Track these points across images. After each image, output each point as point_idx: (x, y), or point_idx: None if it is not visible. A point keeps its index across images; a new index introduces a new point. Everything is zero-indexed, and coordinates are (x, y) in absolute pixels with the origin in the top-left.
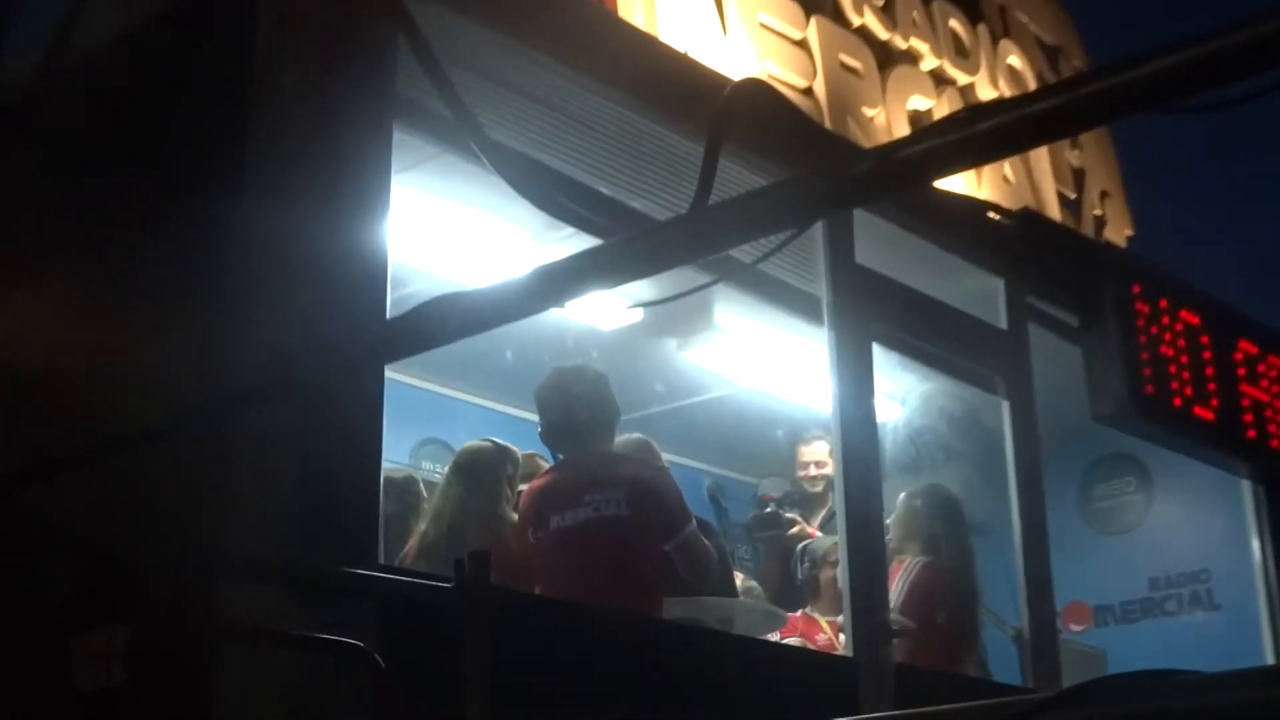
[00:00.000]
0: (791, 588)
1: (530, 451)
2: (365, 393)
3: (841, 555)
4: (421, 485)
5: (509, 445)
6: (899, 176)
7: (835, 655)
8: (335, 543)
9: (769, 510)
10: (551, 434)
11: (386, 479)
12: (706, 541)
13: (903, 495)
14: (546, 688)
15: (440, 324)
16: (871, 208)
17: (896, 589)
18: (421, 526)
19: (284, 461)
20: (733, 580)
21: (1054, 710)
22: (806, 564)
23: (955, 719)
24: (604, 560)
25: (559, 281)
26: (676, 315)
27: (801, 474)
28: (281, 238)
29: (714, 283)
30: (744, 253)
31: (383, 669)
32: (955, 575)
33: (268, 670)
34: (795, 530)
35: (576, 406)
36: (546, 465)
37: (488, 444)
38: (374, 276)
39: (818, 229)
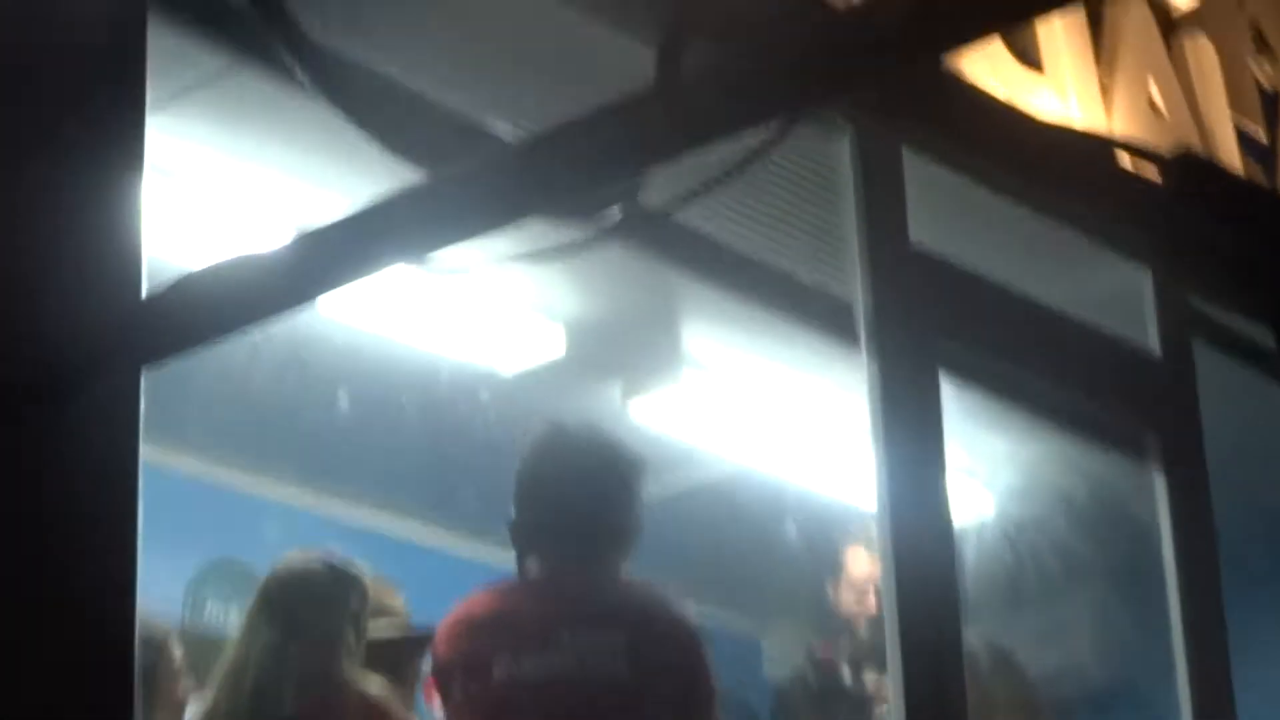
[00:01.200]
0: None
1: (379, 576)
2: (112, 475)
3: None
4: (175, 647)
5: (351, 566)
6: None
7: None
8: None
9: (834, 678)
10: (523, 529)
11: None
12: None
13: (986, 644)
14: None
15: (214, 303)
16: (931, 155)
17: None
18: (206, 694)
19: None
20: None
21: None
22: None
23: None
24: None
25: (401, 224)
26: (620, 345)
27: (851, 604)
28: None
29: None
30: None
31: None
32: None
33: None
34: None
35: (576, 489)
36: (399, 604)
37: (317, 563)
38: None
39: (847, 191)
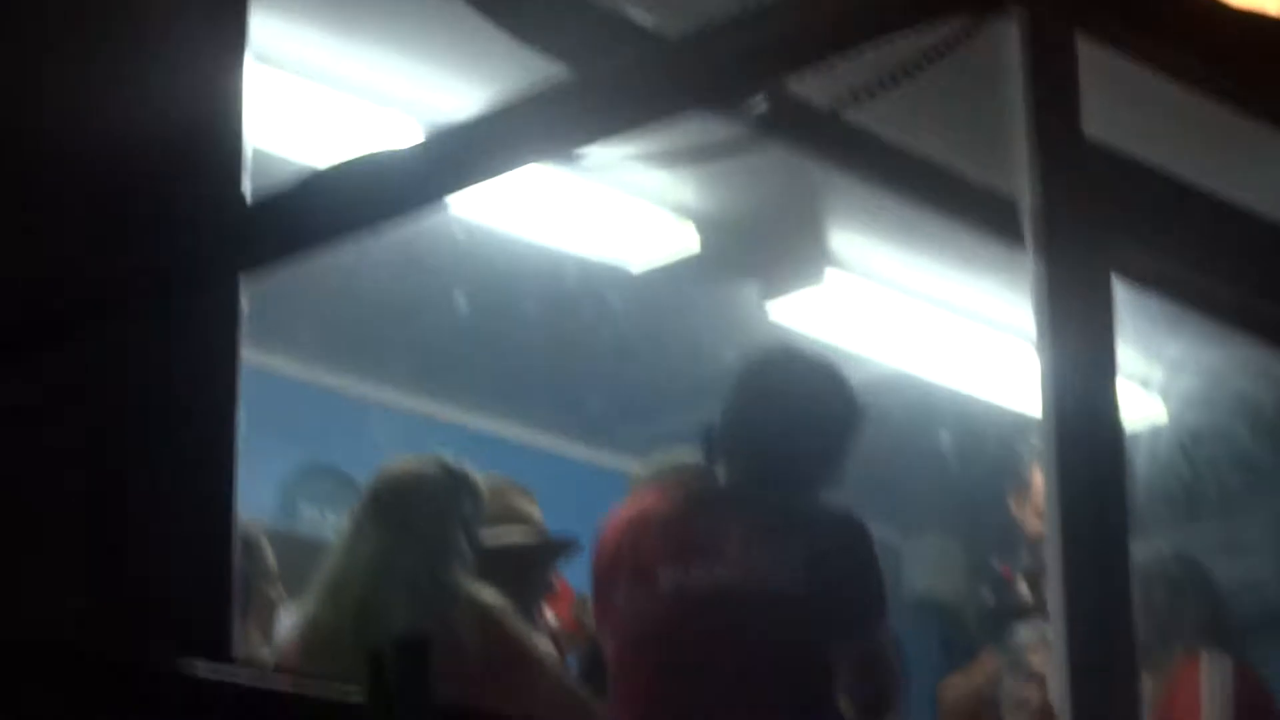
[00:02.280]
0: None
1: (500, 479)
2: (209, 370)
3: (1056, 658)
4: (267, 547)
5: (465, 468)
6: None
7: None
8: (152, 626)
9: (1011, 598)
10: (724, 439)
11: None
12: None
13: (1138, 560)
14: None
15: (336, 205)
16: (1107, 41)
17: (1210, 702)
18: (305, 607)
19: (56, 482)
20: None
21: None
22: (1007, 668)
23: None
24: (753, 661)
25: (544, 122)
26: (758, 244)
27: (1037, 522)
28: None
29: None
30: None
31: None
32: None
33: None
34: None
35: (774, 404)
36: (533, 509)
37: (429, 464)
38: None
39: (1015, 80)
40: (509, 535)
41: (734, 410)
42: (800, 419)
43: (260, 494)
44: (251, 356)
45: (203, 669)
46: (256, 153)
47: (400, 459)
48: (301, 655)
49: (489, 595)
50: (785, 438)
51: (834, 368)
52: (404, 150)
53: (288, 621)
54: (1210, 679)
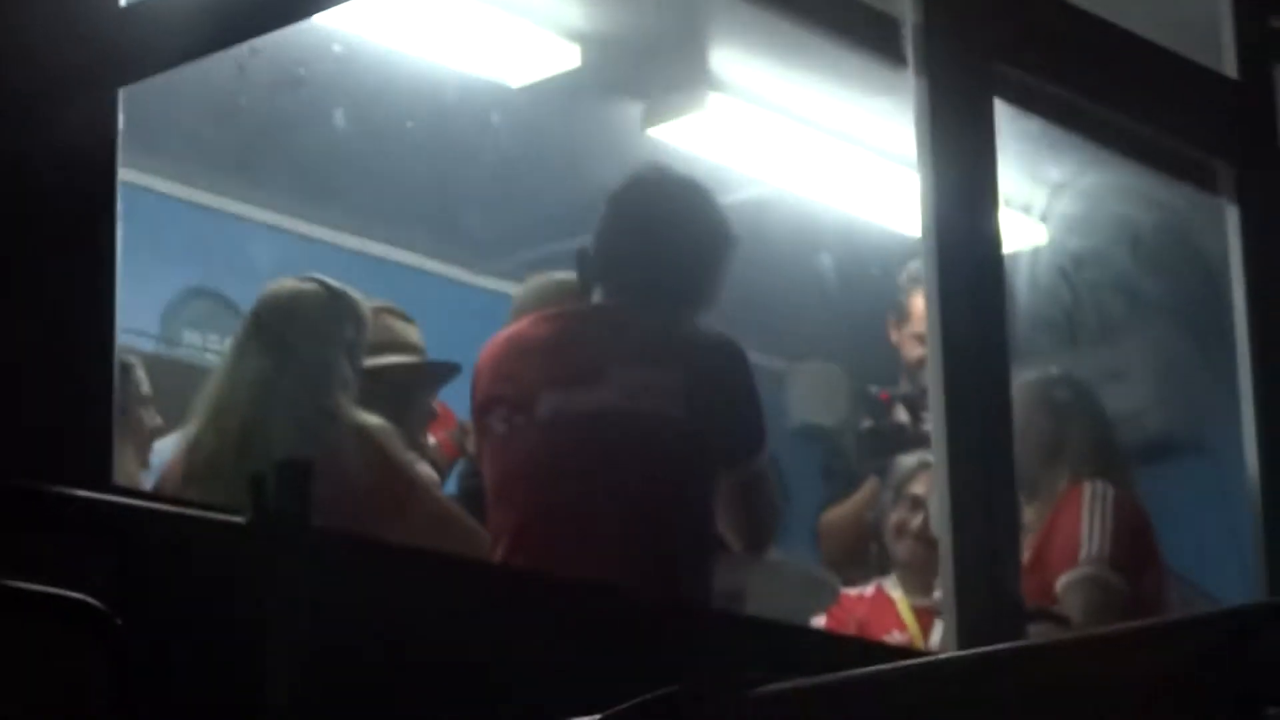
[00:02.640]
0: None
1: (382, 303)
2: (86, 188)
3: (937, 482)
4: (141, 370)
5: (348, 291)
6: None
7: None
8: (32, 453)
9: (889, 423)
10: (598, 260)
11: None
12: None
13: (1024, 381)
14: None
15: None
16: None
17: (1091, 527)
18: (186, 431)
19: None
20: None
21: None
22: (887, 495)
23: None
24: (632, 484)
25: None
26: (642, 59)
27: (914, 348)
28: None
29: None
30: None
31: (120, 634)
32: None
33: None
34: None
35: (646, 224)
36: (413, 334)
37: (311, 285)
38: None
39: None
40: (389, 359)
41: (606, 232)
42: (671, 238)
43: (142, 318)
44: (129, 175)
45: (83, 493)
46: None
47: (283, 281)
48: (184, 479)
49: (371, 419)
50: (657, 257)
51: (704, 187)
52: None
53: (166, 445)
54: (1090, 505)
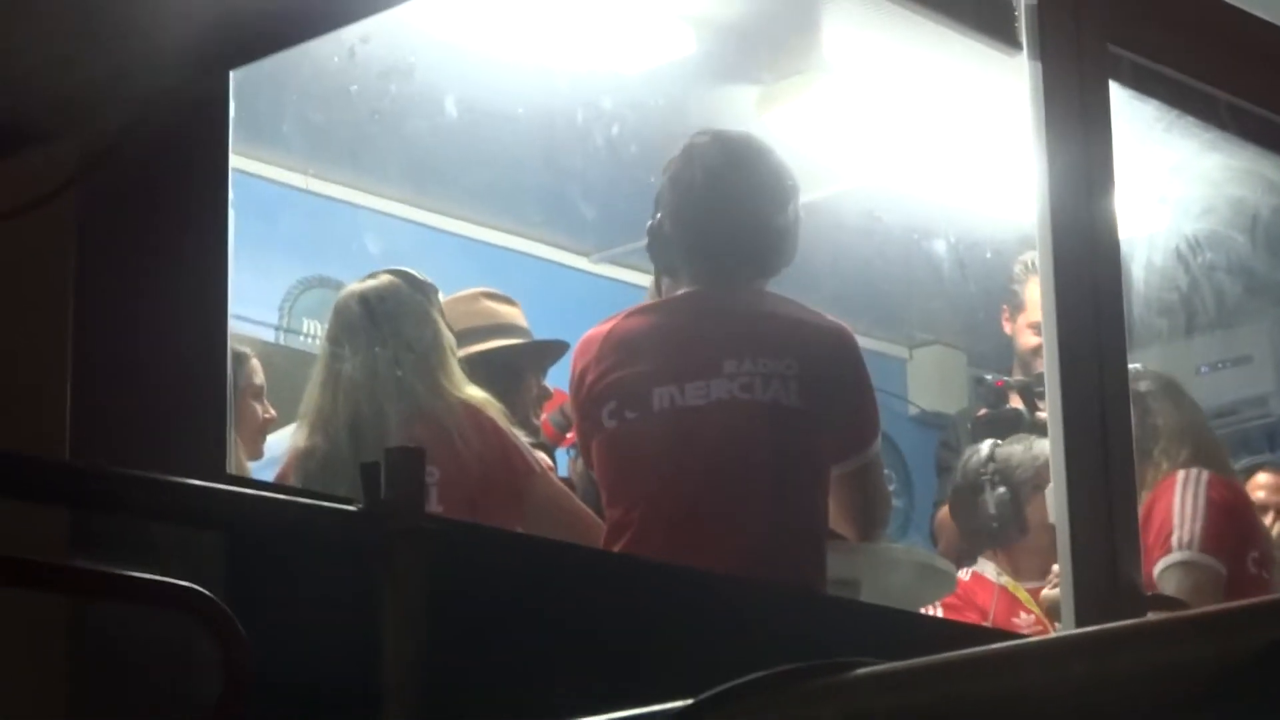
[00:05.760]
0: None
1: (480, 289)
2: (198, 178)
3: (1055, 471)
4: (255, 362)
5: (423, 276)
6: None
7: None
8: (148, 443)
9: (1004, 411)
10: (664, 244)
11: None
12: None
13: (1147, 370)
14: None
15: None
16: None
17: (1183, 512)
18: (295, 436)
19: (41, 294)
20: None
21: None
22: (1000, 489)
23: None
24: (749, 476)
25: None
26: (756, 44)
27: (1029, 337)
28: None
29: None
30: None
31: (236, 628)
32: (1250, 498)
33: (43, 626)
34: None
35: (721, 203)
36: (507, 312)
37: (390, 277)
38: None
39: None
40: (492, 344)
41: (676, 210)
42: (741, 205)
43: (262, 308)
44: (243, 164)
45: (196, 482)
46: None
47: (362, 281)
48: (299, 482)
49: (478, 392)
50: (732, 228)
51: (758, 143)
52: None
53: (280, 438)
54: (1183, 492)
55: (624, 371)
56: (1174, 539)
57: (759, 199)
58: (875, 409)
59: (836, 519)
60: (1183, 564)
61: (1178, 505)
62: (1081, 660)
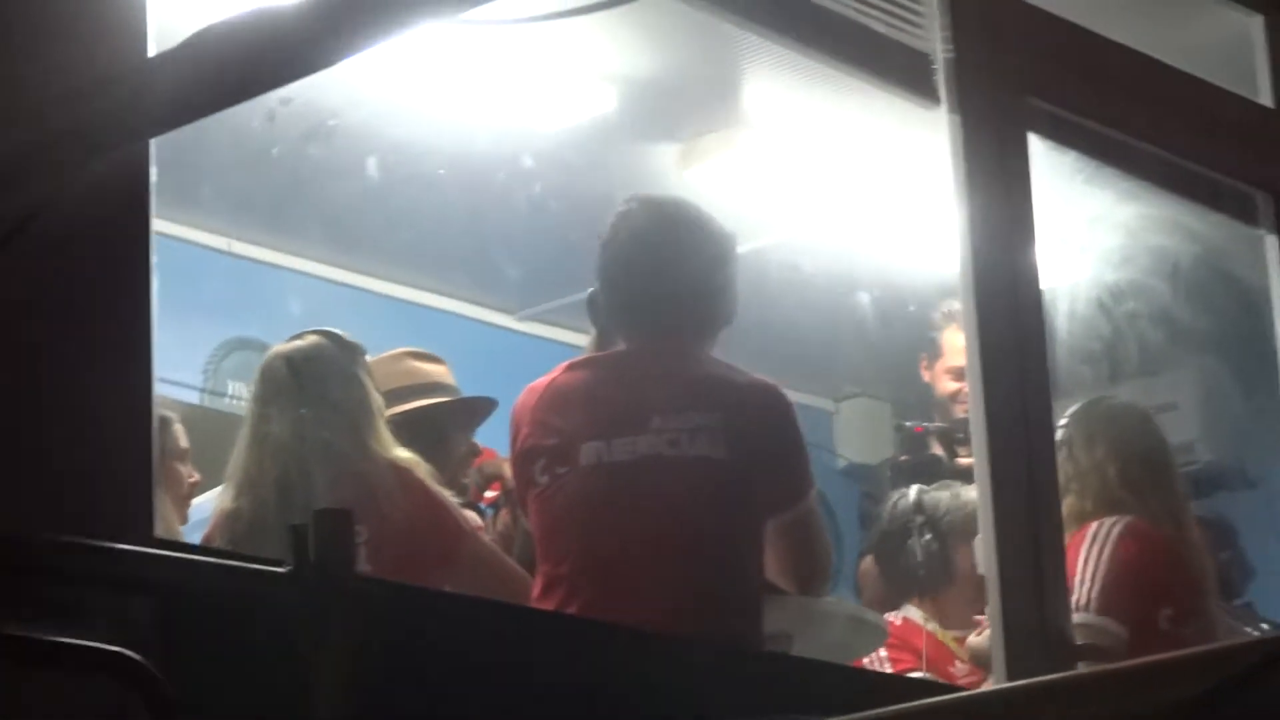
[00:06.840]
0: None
1: (405, 349)
2: (121, 242)
3: (983, 521)
4: (178, 425)
5: (349, 337)
6: None
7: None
8: (74, 508)
9: (924, 456)
10: (608, 304)
11: None
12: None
13: (1069, 415)
14: None
15: (227, 63)
16: None
17: (1084, 571)
18: (222, 498)
19: None
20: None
21: None
22: (926, 536)
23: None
24: (678, 531)
25: None
26: (677, 101)
27: (948, 385)
28: None
29: None
30: None
31: (164, 690)
32: (1179, 547)
33: None
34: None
35: (648, 265)
36: (431, 371)
37: (316, 337)
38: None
39: None
40: (418, 403)
41: (611, 274)
42: (677, 266)
43: (185, 370)
44: (165, 227)
45: (124, 546)
46: None
47: (288, 341)
48: (226, 544)
49: (404, 453)
50: (668, 290)
51: (692, 205)
52: (294, 5)
53: (206, 501)
54: (1088, 549)
55: (554, 427)
56: (1073, 599)
57: (688, 260)
58: (807, 461)
59: (776, 572)
60: (1080, 626)
61: (1080, 563)
62: (1013, 714)
